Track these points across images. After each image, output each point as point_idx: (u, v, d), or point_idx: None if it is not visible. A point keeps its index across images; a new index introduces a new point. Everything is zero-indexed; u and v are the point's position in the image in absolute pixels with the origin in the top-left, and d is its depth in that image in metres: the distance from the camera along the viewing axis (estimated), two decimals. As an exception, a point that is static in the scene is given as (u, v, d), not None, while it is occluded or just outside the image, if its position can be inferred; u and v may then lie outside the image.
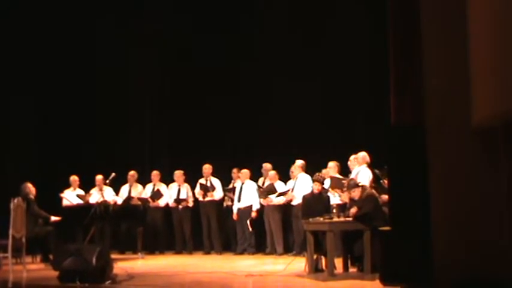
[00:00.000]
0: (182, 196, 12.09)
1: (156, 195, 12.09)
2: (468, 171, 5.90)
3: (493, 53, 5.67)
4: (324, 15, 11.70)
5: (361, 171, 9.43)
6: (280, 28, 12.14)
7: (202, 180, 11.97)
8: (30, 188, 10.44)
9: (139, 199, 11.97)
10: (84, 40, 13.12)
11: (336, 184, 9.61)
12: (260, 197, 11.31)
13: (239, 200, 11.55)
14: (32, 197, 10.30)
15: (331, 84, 11.52)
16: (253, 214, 11.44)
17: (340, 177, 9.85)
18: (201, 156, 12.20)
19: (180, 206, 12.04)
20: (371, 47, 10.61)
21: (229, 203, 11.81)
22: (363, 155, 9.61)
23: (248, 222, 11.39)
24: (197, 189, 11.95)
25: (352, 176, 9.40)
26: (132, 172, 12.35)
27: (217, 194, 11.89)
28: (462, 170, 5.93)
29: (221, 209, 11.91)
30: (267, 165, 11.59)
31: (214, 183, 11.91)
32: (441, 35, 6.21)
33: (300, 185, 10.73)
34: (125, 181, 12.31)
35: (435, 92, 6.16)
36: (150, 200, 12.05)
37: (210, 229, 11.85)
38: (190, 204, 12.05)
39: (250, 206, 11.46)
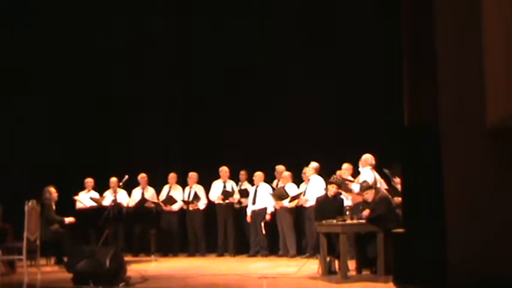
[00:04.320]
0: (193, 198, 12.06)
1: (169, 201, 12.07)
2: (483, 171, 5.86)
3: (507, 54, 5.64)
4: (337, 13, 11.67)
5: (363, 173, 9.42)
6: (293, 27, 12.12)
7: (218, 184, 11.93)
8: (52, 193, 10.48)
9: (153, 203, 11.96)
10: (98, 41, 13.13)
11: (344, 188, 9.61)
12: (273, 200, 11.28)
13: (254, 203, 11.53)
14: (50, 202, 10.35)
15: (345, 86, 11.48)
16: (268, 217, 11.39)
17: (350, 179, 9.84)
18: (214, 158, 12.21)
19: (191, 208, 12.01)
20: (384, 46, 10.56)
21: (238, 205, 11.80)
22: (365, 157, 9.58)
23: (262, 224, 11.37)
24: (213, 194, 11.91)
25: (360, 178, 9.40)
26: (142, 175, 12.31)
27: (235, 196, 11.89)
28: (477, 171, 5.90)
29: (237, 211, 11.89)
30: (280, 167, 11.54)
31: (231, 186, 11.91)
32: (455, 35, 6.18)
33: (312, 187, 10.69)
34: (136, 184, 12.31)
35: (449, 92, 6.13)
36: (162, 204, 12.03)
37: (226, 231, 11.84)
38: (202, 207, 12.03)
39: (265, 209, 11.43)
